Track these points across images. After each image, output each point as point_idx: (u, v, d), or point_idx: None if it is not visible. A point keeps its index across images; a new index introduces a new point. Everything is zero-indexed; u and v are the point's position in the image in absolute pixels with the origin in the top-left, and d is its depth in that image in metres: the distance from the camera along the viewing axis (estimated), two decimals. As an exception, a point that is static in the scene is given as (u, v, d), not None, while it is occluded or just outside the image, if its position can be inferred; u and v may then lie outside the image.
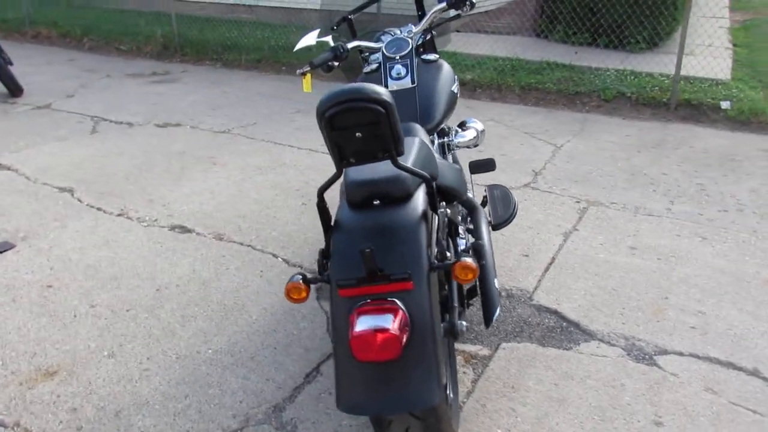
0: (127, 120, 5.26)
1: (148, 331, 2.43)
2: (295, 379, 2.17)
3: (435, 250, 1.59)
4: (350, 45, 2.59)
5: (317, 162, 4.20)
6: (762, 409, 2.03)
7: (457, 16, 2.70)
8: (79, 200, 3.63)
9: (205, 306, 2.58)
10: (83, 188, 3.79)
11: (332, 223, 1.63)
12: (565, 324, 2.49)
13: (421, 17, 2.78)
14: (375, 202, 1.63)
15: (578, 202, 3.59)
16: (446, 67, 2.57)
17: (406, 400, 1.43)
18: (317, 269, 1.99)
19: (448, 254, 1.77)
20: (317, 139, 4.67)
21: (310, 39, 2.65)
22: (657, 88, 5.71)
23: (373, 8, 2.91)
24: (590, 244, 3.11)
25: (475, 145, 2.65)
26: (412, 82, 2.44)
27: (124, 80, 6.76)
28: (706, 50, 6.65)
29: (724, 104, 5.40)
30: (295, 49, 2.71)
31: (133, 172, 4.05)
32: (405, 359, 1.42)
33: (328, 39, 2.72)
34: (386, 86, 2.43)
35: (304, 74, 2.62)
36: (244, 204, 3.55)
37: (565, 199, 3.62)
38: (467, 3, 2.61)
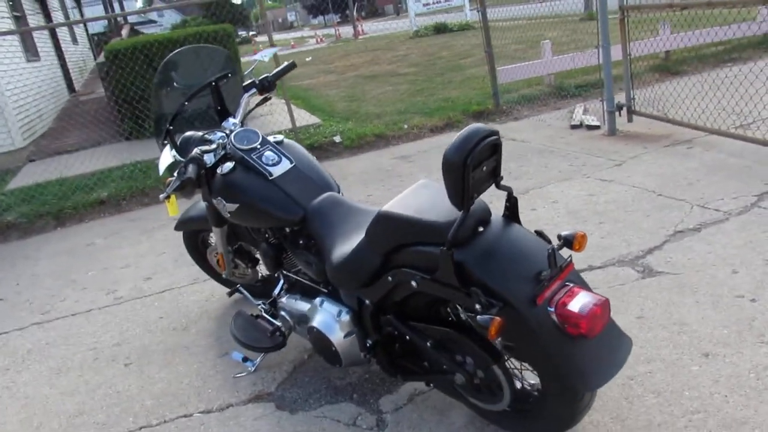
0: None
1: None
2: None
3: None
4: (197, 151, 2.42)
5: (61, 331, 3.41)
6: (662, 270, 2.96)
7: (266, 99, 2.81)
8: None
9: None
10: None
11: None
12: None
13: (221, 111, 2.74)
14: (480, 229, 1.80)
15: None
16: (294, 142, 2.66)
17: (625, 346, 1.72)
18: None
19: None
20: (29, 314, 3.74)
21: (167, 158, 2.35)
22: (282, 143, 6.48)
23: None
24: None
25: None
26: (291, 162, 2.47)
27: None
28: (279, 107, 7.77)
29: (337, 138, 6.57)
30: (162, 174, 2.34)
31: None
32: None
33: (174, 154, 2.46)
34: (270, 174, 2.39)
35: (168, 197, 2.34)
36: (61, 406, 2.70)
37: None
38: (275, 86, 2.76)
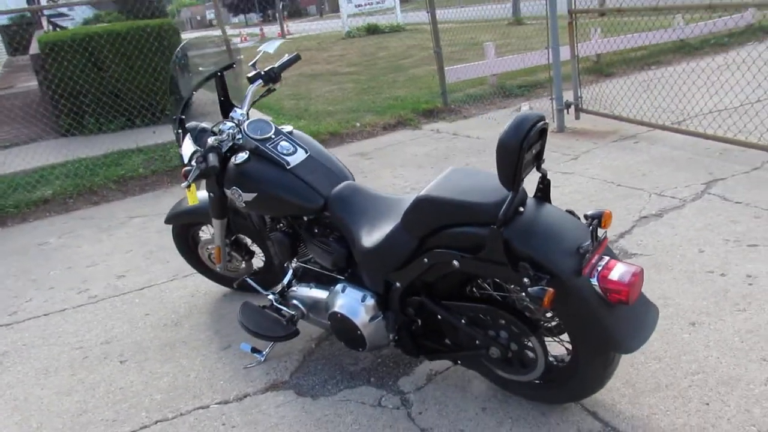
0: None
1: None
2: None
3: None
4: (213, 140, 2.42)
5: (36, 332, 3.26)
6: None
7: (270, 90, 2.82)
8: None
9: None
10: None
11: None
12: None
13: (224, 103, 2.73)
14: (521, 209, 1.91)
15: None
16: (304, 134, 2.69)
17: (653, 311, 1.90)
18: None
19: None
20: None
21: (190, 146, 2.31)
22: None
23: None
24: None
25: None
26: (306, 152, 2.50)
27: None
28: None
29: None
30: (186, 162, 2.31)
31: None
32: None
33: (191, 142, 2.43)
34: (288, 164, 2.42)
35: (189, 186, 2.32)
36: (59, 406, 2.59)
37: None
38: (280, 77, 2.79)
